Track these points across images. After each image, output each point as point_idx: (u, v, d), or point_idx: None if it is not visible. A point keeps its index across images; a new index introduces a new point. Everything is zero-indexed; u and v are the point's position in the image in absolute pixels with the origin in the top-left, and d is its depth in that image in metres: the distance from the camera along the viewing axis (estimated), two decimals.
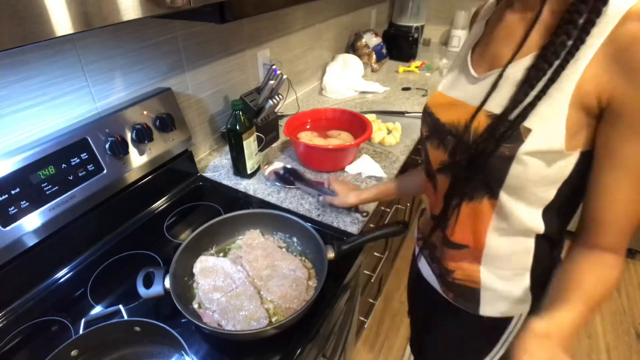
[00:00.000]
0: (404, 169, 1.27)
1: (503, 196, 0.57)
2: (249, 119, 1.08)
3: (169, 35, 1.02)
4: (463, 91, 0.62)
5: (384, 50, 2.12)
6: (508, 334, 0.73)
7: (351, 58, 1.93)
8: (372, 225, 1.15)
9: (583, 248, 0.55)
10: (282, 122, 1.40)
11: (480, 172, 0.57)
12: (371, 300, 1.68)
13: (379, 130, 1.38)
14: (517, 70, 0.53)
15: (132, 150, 0.92)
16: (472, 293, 0.70)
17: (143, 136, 0.92)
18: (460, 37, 2.40)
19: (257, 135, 1.22)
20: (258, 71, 1.44)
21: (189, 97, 1.16)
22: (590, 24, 0.46)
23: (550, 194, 0.56)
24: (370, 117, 1.47)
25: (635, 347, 1.73)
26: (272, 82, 1.18)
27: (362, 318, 1.59)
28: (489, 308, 0.70)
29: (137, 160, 0.93)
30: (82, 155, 0.82)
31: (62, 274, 0.84)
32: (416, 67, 2.05)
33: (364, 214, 0.99)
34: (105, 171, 0.86)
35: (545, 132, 0.50)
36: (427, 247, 0.78)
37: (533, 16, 0.52)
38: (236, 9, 0.77)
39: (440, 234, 0.70)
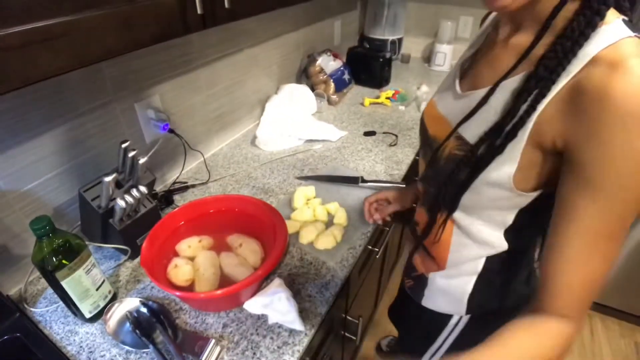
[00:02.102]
0: (344, 294, 0.83)
1: (459, 214, 0.58)
2: (69, 246, 0.64)
3: None
4: (447, 106, 0.59)
5: (346, 77, 1.66)
6: (448, 332, 0.71)
7: (300, 89, 1.47)
8: None
9: (533, 308, 0.47)
10: (183, 199, 0.95)
11: (444, 191, 0.57)
12: None
13: (313, 220, 0.93)
14: (498, 95, 0.49)
15: None
16: (422, 282, 0.72)
17: None
18: (446, 53, 1.94)
19: (116, 250, 0.78)
20: (141, 130, 0.99)
21: (2, 195, 0.73)
22: (566, 62, 0.42)
23: (508, 218, 0.55)
24: (308, 191, 1.02)
25: None
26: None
27: None
28: (430, 302, 0.72)
29: None
30: None
31: None
32: (387, 97, 1.60)
33: None
34: None
35: (500, 164, 0.48)
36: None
37: (521, 44, 0.48)
38: None
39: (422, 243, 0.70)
